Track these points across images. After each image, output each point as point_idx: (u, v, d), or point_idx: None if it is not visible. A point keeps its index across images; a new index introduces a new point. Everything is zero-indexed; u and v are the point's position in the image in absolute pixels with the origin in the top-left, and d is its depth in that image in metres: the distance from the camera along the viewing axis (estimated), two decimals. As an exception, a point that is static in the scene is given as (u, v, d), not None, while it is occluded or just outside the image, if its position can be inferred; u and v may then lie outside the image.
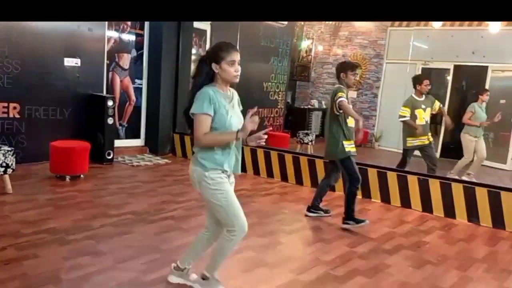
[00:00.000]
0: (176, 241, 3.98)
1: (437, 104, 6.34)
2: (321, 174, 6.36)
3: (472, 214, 5.28)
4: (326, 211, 5.14)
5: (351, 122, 4.73)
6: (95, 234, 4.00)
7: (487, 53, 8.87)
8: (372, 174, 5.94)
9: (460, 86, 10.56)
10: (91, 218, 4.41)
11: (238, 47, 2.74)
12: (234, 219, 2.76)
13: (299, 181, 6.54)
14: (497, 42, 8.40)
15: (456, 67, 9.45)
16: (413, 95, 6.21)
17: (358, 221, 4.69)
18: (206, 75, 2.74)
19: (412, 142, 6.17)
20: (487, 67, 9.07)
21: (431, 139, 6.29)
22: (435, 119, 8.55)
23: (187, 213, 4.83)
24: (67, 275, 3.17)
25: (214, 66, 2.71)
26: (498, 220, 5.12)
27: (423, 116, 6.15)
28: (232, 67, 2.70)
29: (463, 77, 10.18)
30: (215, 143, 2.72)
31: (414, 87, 6.23)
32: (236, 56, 2.70)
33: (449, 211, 5.43)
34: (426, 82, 6.16)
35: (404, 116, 6.14)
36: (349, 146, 4.70)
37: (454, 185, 5.41)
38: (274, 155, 6.85)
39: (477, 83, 9.61)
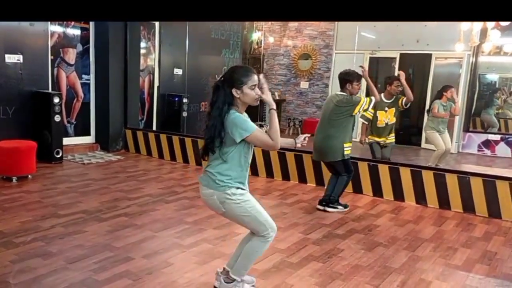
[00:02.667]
0: (129, 238, 3.93)
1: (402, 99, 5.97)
2: (275, 165, 6.44)
3: (420, 196, 5.50)
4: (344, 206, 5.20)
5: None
6: (45, 235, 3.88)
7: (431, 41, 9.20)
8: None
9: (407, 73, 10.87)
10: (40, 219, 4.28)
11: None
12: (266, 223, 2.82)
13: (254, 172, 6.58)
14: (439, 31, 8.71)
15: (402, 56, 9.73)
16: (381, 96, 5.86)
17: (345, 206, 5.14)
18: (227, 100, 2.73)
19: (371, 139, 6.07)
20: (431, 54, 9.42)
21: (391, 139, 6.15)
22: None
23: (141, 210, 4.76)
24: (15, 279, 3.06)
25: (234, 91, 2.72)
26: (444, 201, 5.37)
27: (383, 118, 5.99)
28: (253, 90, 2.73)
29: (409, 65, 10.50)
30: (278, 132, 2.76)
31: (385, 87, 6.00)
32: (256, 80, 2.73)
33: (398, 194, 5.63)
34: (397, 83, 5.89)
35: (366, 118, 5.95)
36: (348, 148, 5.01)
37: (402, 169, 5.61)
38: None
39: (423, 70, 9.98)
